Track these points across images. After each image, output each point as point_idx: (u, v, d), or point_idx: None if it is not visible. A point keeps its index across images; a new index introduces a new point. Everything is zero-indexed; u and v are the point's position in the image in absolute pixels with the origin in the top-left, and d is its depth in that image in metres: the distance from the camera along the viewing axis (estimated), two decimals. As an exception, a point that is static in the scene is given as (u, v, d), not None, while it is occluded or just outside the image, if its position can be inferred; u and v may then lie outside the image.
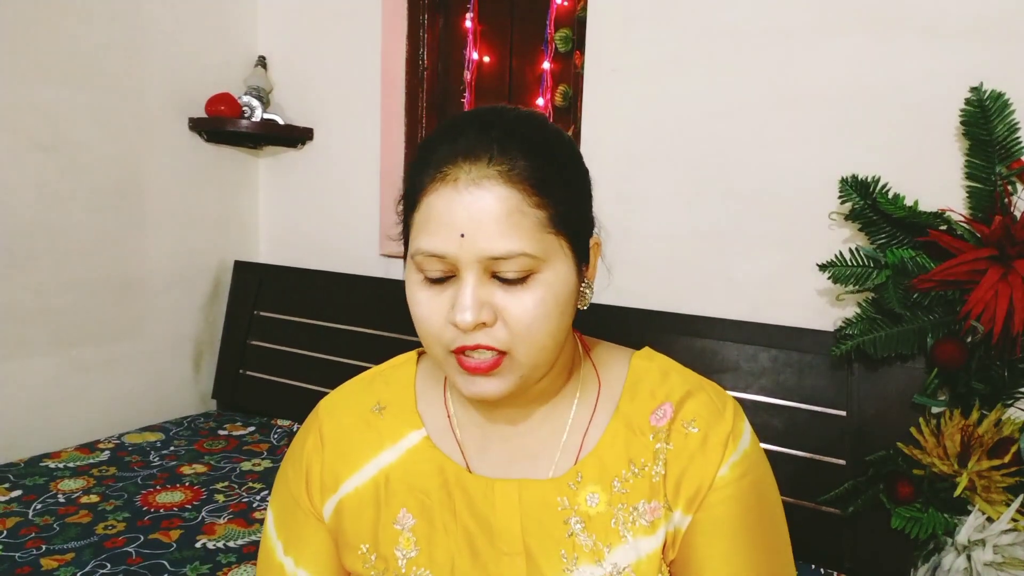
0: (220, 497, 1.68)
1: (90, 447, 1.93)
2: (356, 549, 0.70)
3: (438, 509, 0.68)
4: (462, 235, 0.57)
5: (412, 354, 0.78)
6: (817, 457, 1.58)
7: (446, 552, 0.67)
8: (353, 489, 0.71)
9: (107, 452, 1.90)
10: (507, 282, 0.59)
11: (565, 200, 0.61)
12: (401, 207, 0.66)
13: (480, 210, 0.57)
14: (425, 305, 0.61)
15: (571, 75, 2.10)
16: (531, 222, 0.58)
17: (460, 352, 0.60)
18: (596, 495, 0.66)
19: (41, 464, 1.79)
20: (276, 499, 0.76)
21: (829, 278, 1.55)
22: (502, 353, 0.60)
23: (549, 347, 0.62)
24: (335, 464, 0.71)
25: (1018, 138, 1.40)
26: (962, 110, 1.46)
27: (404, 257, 0.66)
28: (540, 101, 2.18)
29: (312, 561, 0.71)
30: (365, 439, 0.72)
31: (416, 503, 0.69)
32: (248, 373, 2.38)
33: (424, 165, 0.61)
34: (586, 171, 0.67)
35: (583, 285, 0.66)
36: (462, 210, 0.57)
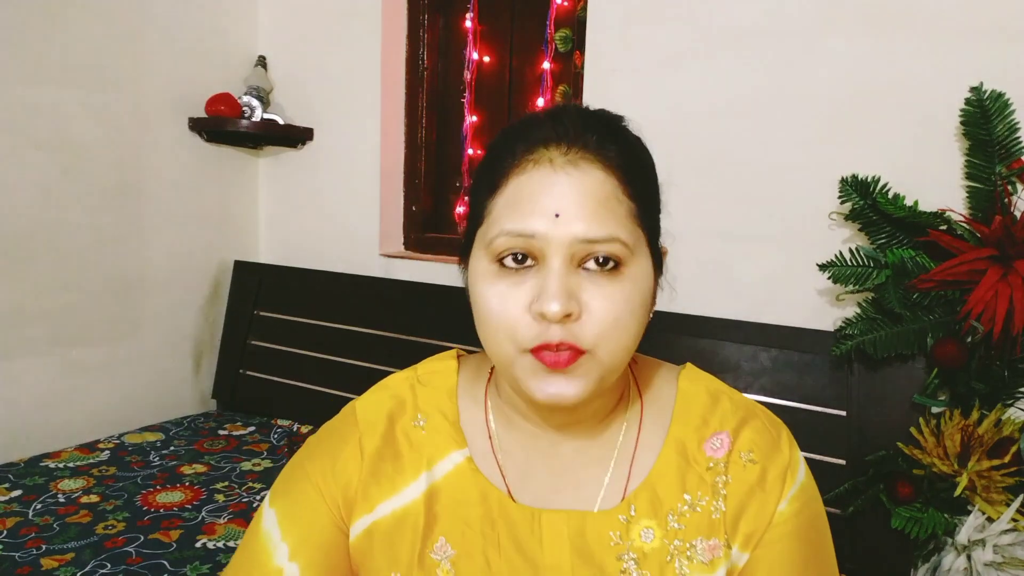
0: (220, 497, 1.68)
1: (90, 447, 1.93)
2: (386, 574, 0.64)
3: (480, 541, 0.63)
4: (557, 215, 0.54)
5: (451, 362, 0.72)
6: (817, 457, 1.58)
7: None
8: (390, 512, 0.65)
9: (107, 452, 1.90)
10: (595, 273, 0.56)
11: (651, 199, 0.60)
12: (470, 198, 0.62)
13: (579, 191, 0.55)
14: (500, 298, 0.56)
15: (571, 75, 2.10)
16: (625, 210, 0.57)
17: (541, 349, 0.55)
18: (651, 530, 0.62)
19: (41, 464, 1.79)
20: (285, 498, 0.67)
21: (829, 278, 1.55)
22: (581, 352, 0.55)
23: (630, 348, 0.58)
24: (373, 483, 0.66)
25: (1018, 138, 1.40)
26: (962, 110, 1.46)
27: (464, 256, 0.62)
28: (540, 101, 2.18)
29: (325, 573, 0.65)
30: (406, 458, 0.66)
31: (457, 533, 0.64)
32: (248, 373, 2.38)
33: (512, 148, 0.58)
34: (659, 181, 0.65)
35: (655, 290, 0.63)
36: (558, 190, 0.55)
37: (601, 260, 0.55)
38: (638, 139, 0.64)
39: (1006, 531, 1.34)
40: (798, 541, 0.62)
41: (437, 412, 0.68)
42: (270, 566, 0.64)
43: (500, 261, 0.57)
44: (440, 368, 0.71)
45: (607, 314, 0.55)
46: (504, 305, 0.56)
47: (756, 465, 0.63)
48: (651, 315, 0.62)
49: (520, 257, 0.56)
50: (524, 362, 0.57)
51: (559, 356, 0.55)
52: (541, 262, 0.56)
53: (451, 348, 0.76)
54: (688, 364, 0.72)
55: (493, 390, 0.69)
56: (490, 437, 0.67)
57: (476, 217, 0.61)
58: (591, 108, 0.62)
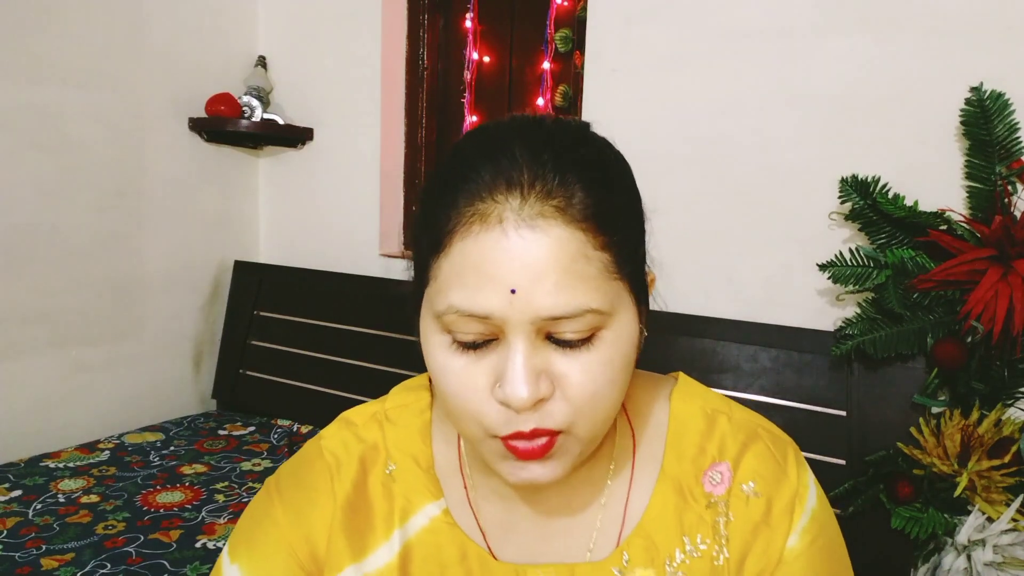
0: (220, 497, 1.68)
1: (90, 447, 1.93)
2: None
3: None
4: (513, 291, 0.45)
5: (424, 389, 0.64)
6: (817, 457, 1.58)
7: None
8: None
9: (107, 452, 1.90)
10: (566, 344, 0.47)
11: (628, 237, 0.50)
12: (413, 245, 0.53)
13: (537, 259, 0.45)
14: (458, 376, 0.48)
15: (571, 75, 2.10)
16: (596, 269, 0.47)
17: (512, 438, 0.48)
18: None
19: (41, 464, 1.79)
20: (250, 541, 0.59)
21: (829, 278, 1.55)
22: (558, 432, 0.48)
23: (610, 418, 0.51)
24: (343, 542, 0.58)
25: (1018, 138, 1.40)
26: (962, 110, 1.46)
27: (414, 309, 0.53)
28: (540, 101, 2.18)
29: None
30: (378, 510, 0.59)
31: None
32: (248, 373, 2.38)
33: (451, 198, 0.47)
34: (639, 194, 0.56)
35: (642, 332, 0.54)
36: (512, 259, 0.45)
37: (571, 334, 0.47)
38: (608, 151, 0.53)
39: (1006, 531, 1.34)
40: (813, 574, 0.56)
41: (408, 457, 0.60)
42: None
43: (453, 336, 0.49)
44: (410, 401, 0.63)
45: (583, 390, 0.48)
46: (464, 386, 0.49)
47: (760, 498, 0.56)
48: (639, 353, 0.54)
49: (476, 334, 0.48)
50: (494, 446, 0.50)
51: (533, 445, 0.48)
52: (501, 338, 0.47)
53: None
54: (680, 376, 0.63)
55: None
56: (465, 486, 0.60)
57: (421, 273, 0.51)
58: (544, 124, 0.51)
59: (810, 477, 0.59)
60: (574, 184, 0.47)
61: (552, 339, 0.48)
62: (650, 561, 0.56)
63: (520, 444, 0.48)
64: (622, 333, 0.49)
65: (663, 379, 0.64)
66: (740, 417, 0.60)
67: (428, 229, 0.49)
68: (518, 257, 0.45)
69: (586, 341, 0.48)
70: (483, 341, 0.48)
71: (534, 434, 0.48)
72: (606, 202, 0.48)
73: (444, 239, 0.47)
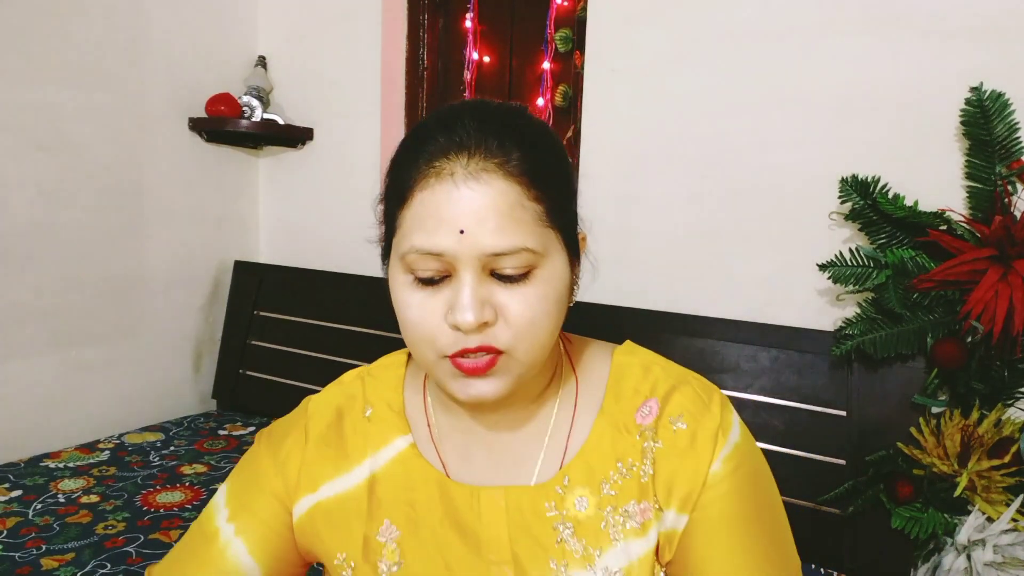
0: (220, 497, 1.68)
1: (90, 447, 1.93)
2: (332, 556, 0.67)
3: (424, 520, 0.66)
4: (461, 231, 0.55)
5: (402, 355, 0.75)
6: (817, 457, 1.58)
7: (431, 564, 0.65)
8: (334, 495, 0.68)
9: (107, 452, 1.90)
10: (507, 279, 0.57)
11: (559, 194, 0.60)
12: (382, 206, 0.63)
13: (481, 205, 0.55)
14: (418, 308, 0.59)
15: (571, 75, 2.10)
16: (530, 216, 0.57)
17: (459, 356, 0.57)
18: (584, 498, 0.64)
19: (41, 464, 1.79)
20: (236, 476, 0.73)
21: (829, 278, 1.55)
22: (499, 352, 0.58)
23: (547, 345, 0.60)
24: (316, 464, 0.69)
25: (1018, 138, 1.40)
26: (962, 110, 1.46)
27: (384, 257, 0.64)
28: (540, 101, 2.18)
29: (257, 537, 0.68)
30: (351, 443, 0.70)
31: (401, 514, 0.67)
32: (248, 373, 2.38)
33: (413, 159, 0.58)
34: (571, 165, 0.66)
35: (574, 281, 0.64)
36: (461, 205, 0.55)
37: (511, 269, 0.57)
38: (542, 127, 0.63)
39: (1006, 531, 1.34)
40: (735, 500, 0.63)
41: (383, 402, 0.71)
42: (210, 526, 0.69)
43: (415, 274, 0.59)
44: (390, 363, 0.75)
45: (521, 317, 0.57)
46: (422, 315, 0.58)
47: (686, 429, 0.64)
48: (571, 303, 0.64)
49: (433, 270, 0.58)
50: (444, 367, 0.59)
51: (477, 362, 0.57)
52: (453, 275, 0.57)
53: None
54: (628, 341, 0.73)
55: (431, 380, 0.71)
56: (428, 425, 0.70)
57: (389, 225, 0.62)
58: (490, 105, 0.61)
59: (735, 417, 0.67)
60: (512, 147, 0.57)
61: (495, 275, 0.57)
62: (587, 481, 0.65)
63: (466, 361, 0.57)
64: (554, 273, 0.59)
65: (609, 344, 0.74)
66: (675, 368, 0.70)
67: (395, 186, 0.60)
68: (466, 204, 0.55)
69: (524, 276, 0.57)
70: (439, 278, 0.58)
71: (479, 350, 0.57)
72: (539, 162, 0.58)
73: (407, 192, 0.58)
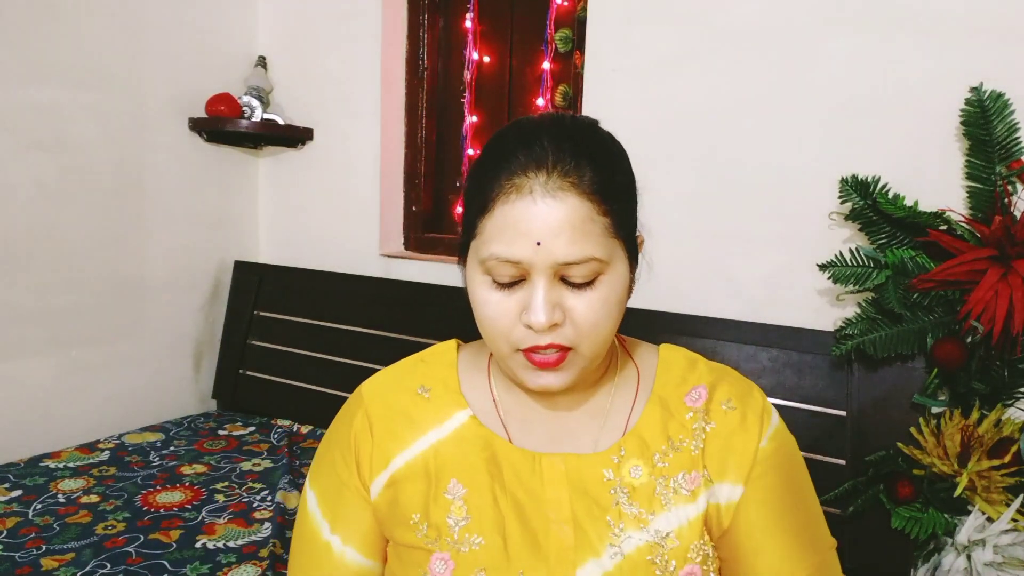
0: (220, 497, 1.68)
1: (90, 447, 1.93)
2: (408, 519, 0.72)
3: (487, 480, 0.71)
4: (538, 243, 0.61)
5: (451, 343, 0.81)
6: (817, 457, 1.58)
7: (497, 519, 0.70)
8: (404, 464, 0.73)
9: (107, 452, 1.90)
10: (575, 285, 0.64)
11: (624, 207, 0.67)
12: (463, 209, 0.69)
13: (556, 220, 0.61)
14: (495, 306, 0.65)
15: (571, 75, 2.10)
16: (599, 228, 0.63)
17: (531, 351, 0.65)
18: (639, 467, 0.71)
19: (41, 464, 1.79)
20: (319, 480, 0.78)
21: (829, 278, 1.55)
22: (567, 349, 0.65)
23: (608, 341, 0.68)
24: (384, 442, 0.74)
25: (1018, 138, 1.40)
26: (962, 110, 1.46)
27: (462, 255, 0.70)
28: (540, 101, 2.18)
29: (360, 539, 0.74)
30: (413, 419, 0.75)
31: (466, 474, 0.72)
32: (248, 373, 2.38)
33: (496, 171, 0.64)
34: (634, 176, 0.72)
35: (633, 281, 0.71)
36: (538, 220, 0.61)
37: (579, 277, 0.63)
38: (611, 142, 0.70)
39: (1006, 531, 1.34)
40: (782, 474, 0.72)
41: (439, 383, 0.77)
42: (320, 540, 0.75)
43: (492, 277, 0.65)
44: (440, 350, 0.81)
45: (587, 319, 0.64)
46: (499, 313, 0.65)
47: (735, 411, 0.73)
48: (629, 297, 0.71)
49: (509, 275, 0.64)
50: (518, 359, 0.67)
51: (548, 357, 0.65)
52: (527, 279, 0.64)
53: None
54: (666, 343, 0.81)
55: (495, 362, 0.78)
56: (494, 399, 0.76)
57: (469, 229, 0.68)
58: (565, 120, 0.68)
59: (773, 407, 0.75)
60: (586, 166, 0.63)
61: (565, 281, 0.64)
62: (641, 454, 0.72)
63: (538, 356, 0.65)
64: (616, 278, 0.66)
65: (653, 344, 0.83)
66: (714, 363, 0.78)
67: (477, 195, 0.66)
68: (542, 218, 0.62)
69: (590, 283, 0.64)
70: (514, 281, 0.65)
71: (549, 347, 0.64)
72: (608, 180, 0.65)
73: (489, 203, 0.64)
